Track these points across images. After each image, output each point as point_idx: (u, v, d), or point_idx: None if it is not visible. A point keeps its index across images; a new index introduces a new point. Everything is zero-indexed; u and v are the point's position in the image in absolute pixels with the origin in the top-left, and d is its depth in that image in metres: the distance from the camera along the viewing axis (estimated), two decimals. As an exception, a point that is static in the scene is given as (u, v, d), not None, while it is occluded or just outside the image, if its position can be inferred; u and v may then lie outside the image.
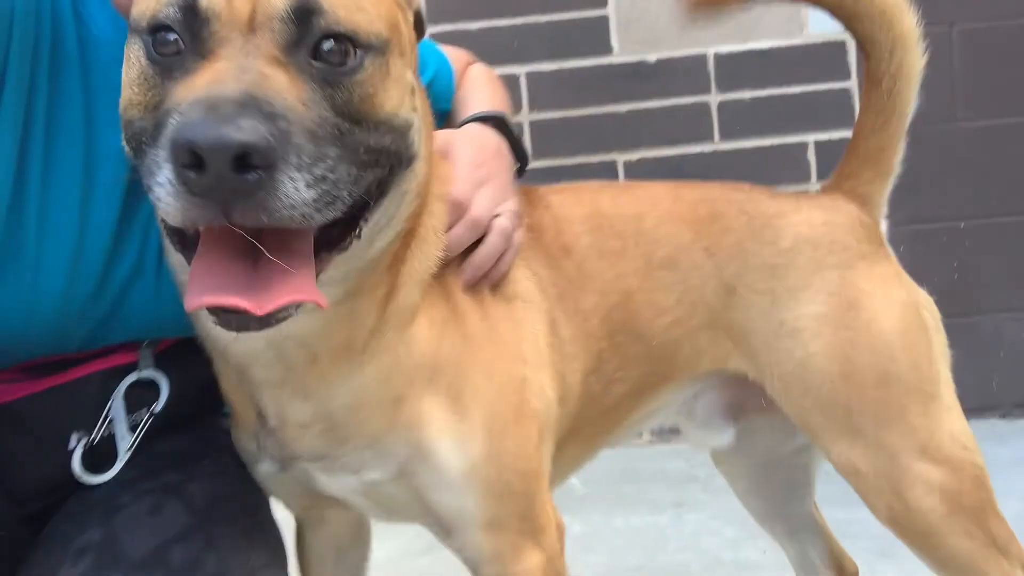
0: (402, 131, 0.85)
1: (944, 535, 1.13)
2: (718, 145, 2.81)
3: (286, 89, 0.74)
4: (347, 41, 0.79)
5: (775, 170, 2.80)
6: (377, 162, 0.82)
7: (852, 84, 2.82)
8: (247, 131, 0.67)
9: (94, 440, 1.03)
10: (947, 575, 1.16)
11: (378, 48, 0.82)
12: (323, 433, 0.96)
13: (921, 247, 2.83)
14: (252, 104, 0.69)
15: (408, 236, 0.94)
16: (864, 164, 1.27)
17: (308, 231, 0.76)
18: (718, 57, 2.81)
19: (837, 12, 1.24)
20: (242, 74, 0.73)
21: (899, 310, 1.18)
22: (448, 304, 1.00)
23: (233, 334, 0.85)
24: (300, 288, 0.74)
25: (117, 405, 1.03)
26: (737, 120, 2.81)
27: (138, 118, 0.79)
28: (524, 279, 1.08)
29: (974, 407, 2.76)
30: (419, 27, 0.96)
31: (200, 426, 1.13)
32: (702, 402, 1.31)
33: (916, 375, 1.16)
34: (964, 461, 1.15)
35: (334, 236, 0.81)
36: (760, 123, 2.81)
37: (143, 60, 0.80)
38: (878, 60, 1.23)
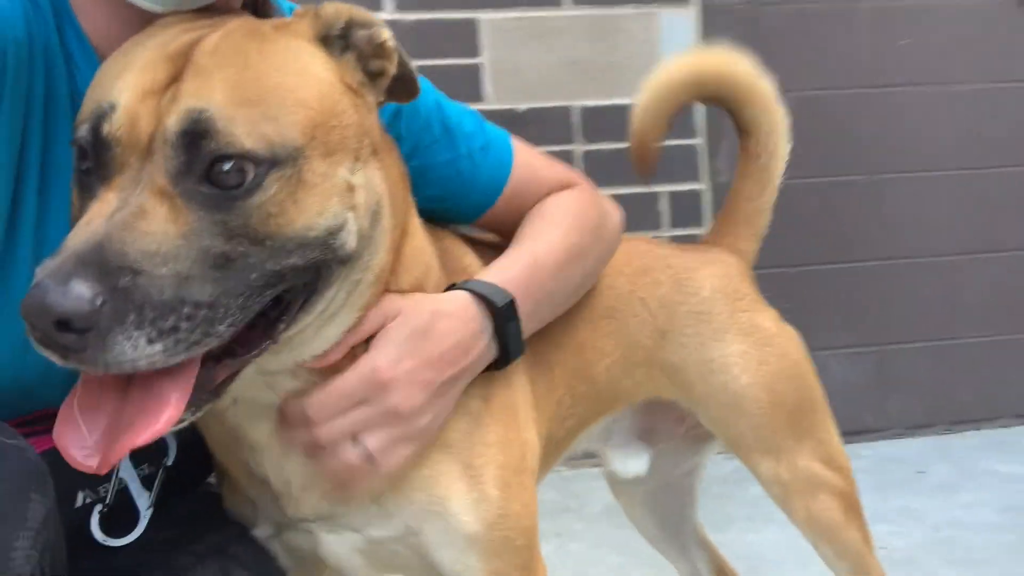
0: (318, 242, 0.81)
1: (842, 530, 1.36)
2: (582, 192, 2.99)
3: (162, 225, 0.74)
4: (243, 160, 0.76)
5: (632, 217, 2.96)
6: (283, 279, 0.80)
7: (699, 141, 3.08)
8: (70, 299, 0.69)
9: (109, 502, 1.00)
10: (843, 564, 1.39)
11: (286, 160, 0.79)
12: (328, 492, 0.97)
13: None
14: (95, 260, 0.71)
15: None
16: (742, 225, 1.49)
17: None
18: (584, 109, 3.00)
19: (729, 105, 1.45)
20: (118, 212, 0.74)
21: (796, 344, 1.41)
22: None
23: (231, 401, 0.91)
24: (151, 427, 0.75)
25: (126, 463, 1.01)
26: (599, 169, 3.00)
27: None
28: None
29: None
30: (409, 88, 0.94)
31: (203, 486, 1.13)
32: (619, 427, 1.45)
33: (816, 398, 1.40)
34: (847, 468, 1.40)
35: (252, 337, 0.82)
36: (620, 173, 3.01)
37: (73, 173, 0.84)
38: (756, 140, 1.46)
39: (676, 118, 1.46)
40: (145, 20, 0.90)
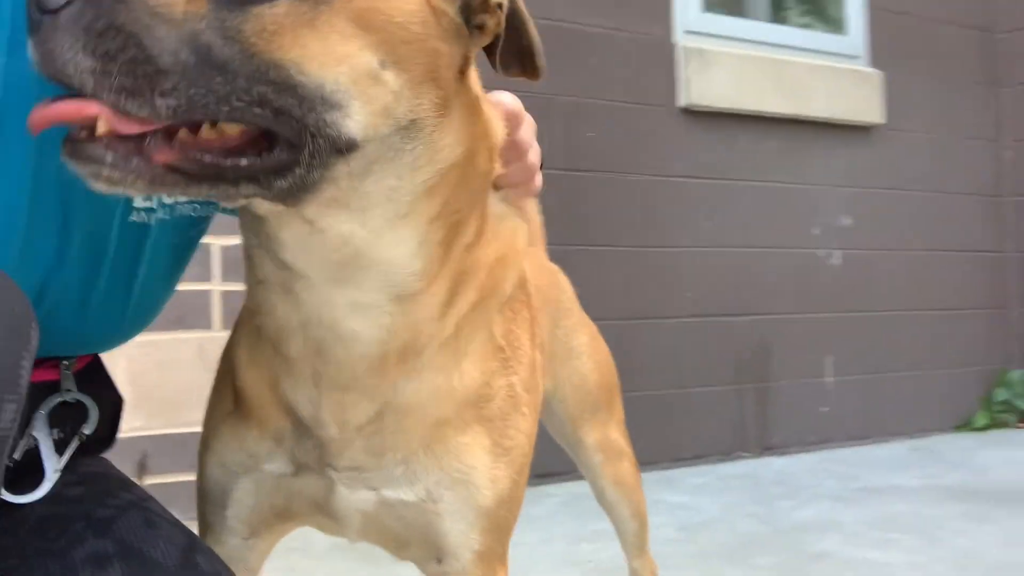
0: (302, 96, 0.78)
1: (636, 491, 1.67)
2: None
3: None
4: None
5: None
6: (250, 110, 0.76)
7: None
8: None
9: (18, 459, 0.96)
10: (635, 522, 1.68)
11: None
12: (369, 437, 0.97)
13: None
14: None
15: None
16: (539, 240, 1.73)
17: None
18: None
19: None
20: None
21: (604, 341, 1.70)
22: (500, 355, 1.04)
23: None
24: (70, 111, 0.74)
25: (41, 425, 0.99)
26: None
27: None
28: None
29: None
30: (529, 61, 0.93)
31: (101, 453, 1.11)
32: None
33: (618, 383, 1.70)
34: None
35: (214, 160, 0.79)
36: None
37: None
38: None
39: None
40: None
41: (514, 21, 0.91)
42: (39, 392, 1.00)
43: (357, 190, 0.85)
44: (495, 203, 1.02)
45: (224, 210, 1.23)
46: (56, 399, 1.01)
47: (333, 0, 0.79)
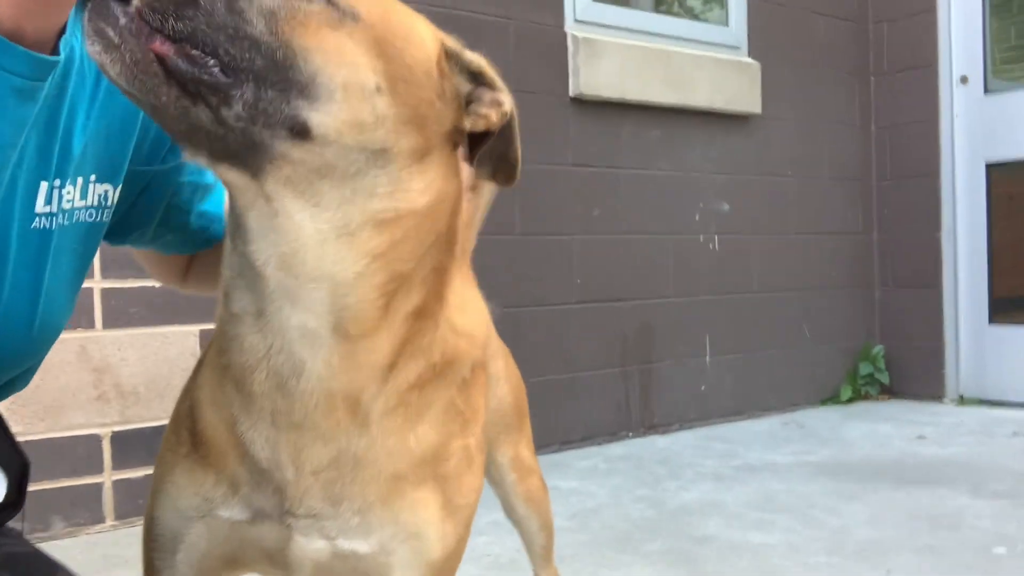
0: (285, 71, 0.82)
1: (544, 504, 1.75)
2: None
3: None
4: None
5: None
6: (228, 55, 0.81)
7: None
8: None
9: None
10: (543, 534, 1.77)
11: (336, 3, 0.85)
12: (326, 485, 0.97)
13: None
14: None
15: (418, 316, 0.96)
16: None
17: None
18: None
19: None
20: None
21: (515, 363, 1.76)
22: (460, 418, 1.05)
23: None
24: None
25: None
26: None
27: None
28: None
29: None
30: (508, 171, 0.99)
31: (9, 520, 1.08)
32: None
33: (527, 403, 1.76)
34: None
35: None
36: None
37: None
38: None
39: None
40: None
41: (507, 131, 0.97)
42: None
43: (313, 184, 0.87)
44: (468, 291, 1.06)
45: (109, 236, 1.23)
46: None
47: (360, 18, 0.86)
